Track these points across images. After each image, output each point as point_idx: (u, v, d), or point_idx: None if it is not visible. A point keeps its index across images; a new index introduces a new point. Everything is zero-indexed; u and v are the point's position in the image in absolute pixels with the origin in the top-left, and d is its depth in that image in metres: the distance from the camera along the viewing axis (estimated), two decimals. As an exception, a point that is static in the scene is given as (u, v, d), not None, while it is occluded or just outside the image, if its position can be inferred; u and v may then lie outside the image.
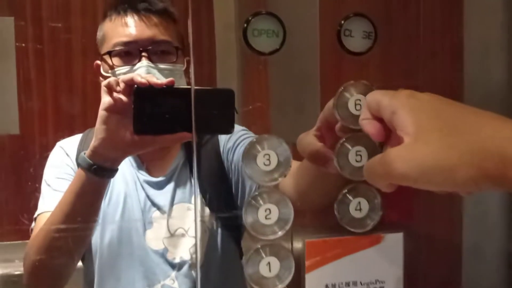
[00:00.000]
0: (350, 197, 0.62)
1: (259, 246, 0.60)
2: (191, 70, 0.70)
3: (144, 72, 0.85)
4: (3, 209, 1.68)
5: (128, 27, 0.89)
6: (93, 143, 0.74)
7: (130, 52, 0.88)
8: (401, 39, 0.62)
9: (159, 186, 0.94)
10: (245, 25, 0.57)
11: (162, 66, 0.87)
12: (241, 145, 0.93)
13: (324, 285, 0.62)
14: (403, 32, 0.64)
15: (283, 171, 0.58)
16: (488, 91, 0.78)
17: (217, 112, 0.67)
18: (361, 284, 0.63)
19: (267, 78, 0.75)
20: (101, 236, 0.91)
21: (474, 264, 0.81)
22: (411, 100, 0.43)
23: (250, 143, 0.58)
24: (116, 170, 0.76)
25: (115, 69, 0.88)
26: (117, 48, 0.88)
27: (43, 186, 0.92)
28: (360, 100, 0.59)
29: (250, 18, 0.56)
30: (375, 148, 0.61)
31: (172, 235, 0.92)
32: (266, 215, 0.58)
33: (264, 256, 0.59)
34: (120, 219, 0.91)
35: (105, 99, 0.71)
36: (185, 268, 0.91)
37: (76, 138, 0.96)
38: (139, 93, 0.66)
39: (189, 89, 0.67)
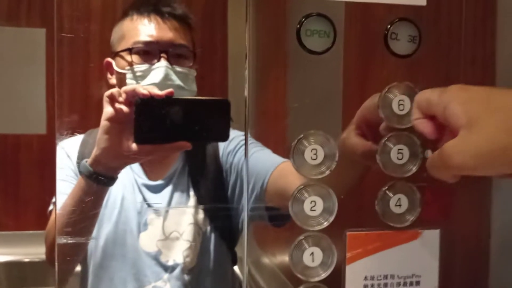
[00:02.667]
0: (391, 194, 0.65)
1: (303, 237, 0.63)
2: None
3: (162, 72, 0.87)
4: (30, 203, 1.73)
5: (150, 27, 0.91)
6: (95, 152, 0.76)
7: (149, 51, 0.90)
8: (444, 45, 0.65)
9: (157, 189, 0.95)
10: (298, 26, 0.60)
11: (178, 69, 0.90)
12: (243, 148, 0.95)
13: (363, 276, 0.64)
14: (446, 37, 0.66)
15: (329, 164, 0.61)
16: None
17: (213, 121, 0.70)
18: (398, 278, 0.65)
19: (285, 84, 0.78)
20: (97, 237, 0.93)
21: (502, 267, 0.83)
22: (461, 93, 0.46)
23: (298, 139, 0.61)
24: (116, 178, 0.78)
25: (134, 66, 0.90)
26: (137, 46, 0.91)
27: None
28: (403, 100, 0.62)
29: (303, 20, 0.59)
30: (416, 146, 0.64)
31: (166, 237, 0.93)
32: (311, 207, 0.61)
33: (307, 246, 0.62)
34: (116, 221, 0.92)
35: (107, 109, 0.73)
36: (177, 271, 0.91)
37: (78, 139, 0.94)
38: (141, 104, 0.68)
39: (188, 99, 0.70)
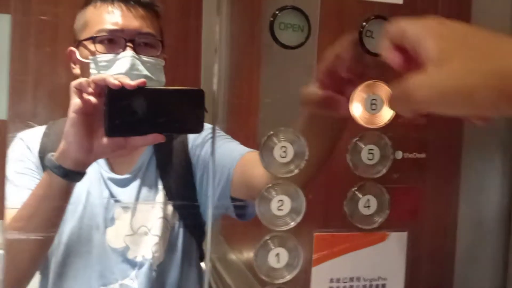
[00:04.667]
0: (360, 195, 0.64)
1: (268, 238, 0.61)
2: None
3: (129, 62, 0.84)
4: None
5: (114, 15, 0.87)
6: (62, 145, 0.71)
7: (114, 40, 0.86)
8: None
9: (124, 183, 0.92)
10: (272, 18, 0.58)
11: (145, 58, 0.86)
12: (210, 141, 0.93)
13: (329, 279, 0.63)
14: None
15: (298, 163, 0.59)
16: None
17: (187, 112, 0.67)
18: (364, 280, 0.64)
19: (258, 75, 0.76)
20: (60, 233, 0.88)
21: (467, 270, 0.83)
22: (437, 27, 0.44)
23: (268, 136, 0.59)
24: (85, 173, 0.73)
25: (97, 56, 0.86)
26: (101, 35, 0.87)
27: (6, 180, 0.89)
28: (376, 100, 0.61)
29: (277, 12, 0.57)
30: (387, 147, 0.63)
31: (134, 233, 0.90)
32: (278, 206, 0.59)
33: (273, 247, 0.60)
34: (80, 216, 0.88)
35: (75, 101, 0.68)
36: (146, 267, 0.88)
37: (39, 131, 0.92)
38: (111, 94, 0.64)
39: (160, 89, 0.67)
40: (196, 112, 0.66)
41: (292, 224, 0.59)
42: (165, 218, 0.92)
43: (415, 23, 0.45)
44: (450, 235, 0.83)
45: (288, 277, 0.60)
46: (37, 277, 0.92)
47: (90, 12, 0.90)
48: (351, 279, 0.64)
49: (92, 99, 0.68)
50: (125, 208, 0.91)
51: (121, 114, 0.64)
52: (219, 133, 0.94)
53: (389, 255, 0.65)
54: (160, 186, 0.93)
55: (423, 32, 0.44)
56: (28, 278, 0.82)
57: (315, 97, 0.51)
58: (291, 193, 0.60)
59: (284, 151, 0.59)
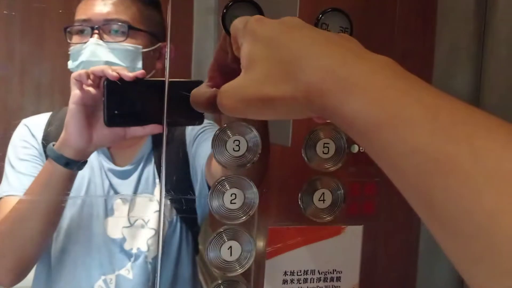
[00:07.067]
0: (315, 188, 0.64)
1: (222, 230, 0.61)
2: (167, 64, 0.70)
3: (90, 49, 0.84)
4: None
5: (86, 5, 0.88)
6: (63, 135, 0.73)
7: (84, 30, 0.87)
8: (375, 37, 0.63)
9: (123, 175, 0.93)
10: (225, 10, 0.57)
11: (113, 45, 0.86)
12: (202, 135, 0.93)
13: (283, 272, 0.63)
14: (378, 30, 0.65)
15: (251, 157, 0.59)
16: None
17: (186, 103, 0.67)
18: (319, 273, 0.65)
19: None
20: (61, 219, 0.90)
21: (429, 265, 0.84)
22: (255, 29, 0.41)
23: (220, 129, 0.59)
24: (86, 162, 0.76)
25: (71, 47, 0.87)
26: (74, 26, 0.87)
27: (7, 166, 0.90)
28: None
29: (229, 4, 0.56)
30: (341, 140, 0.63)
31: (131, 225, 0.91)
32: (231, 200, 0.59)
33: (226, 240, 0.60)
34: (81, 204, 0.90)
35: (75, 92, 0.71)
36: (141, 259, 0.90)
37: (43, 118, 0.92)
38: (109, 85, 0.66)
39: (160, 81, 0.67)
40: None
41: (244, 218, 0.59)
42: (161, 211, 0.92)
43: (244, 22, 0.43)
44: (414, 229, 0.83)
45: (240, 271, 0.60)
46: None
47: (80, 3, 0.90)
48: (306, 272, 0.64)
49: (92, 90, 0.71)
50: (124, 200, 0.91)
51: (120, 105, 0.66)
52: (211, 125, 0.94)
53: (344, 249, 0.65)
54: (158, 180, 0.94)
55: (245, 33, 0.41)
56: (30, 264, 0.84)
57: (205, 97, 0.49)
58: (245, 186, 0.60)
59: (237, 145, 0.59)
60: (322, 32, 0.40)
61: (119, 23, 0.88)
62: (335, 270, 0.65)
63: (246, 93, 0.40)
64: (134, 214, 0.91)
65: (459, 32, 0.78)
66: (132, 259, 0.89)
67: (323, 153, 0.62)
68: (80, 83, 0.71)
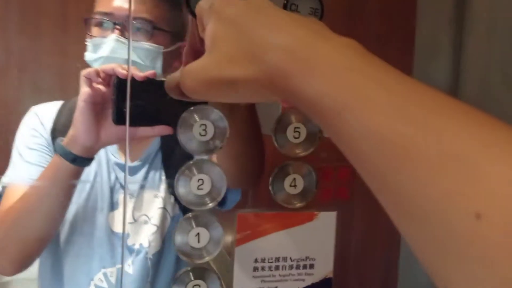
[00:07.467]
0: (285, 174, 0.62)
1: (190, 215, 0.59)
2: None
3: (110, 45, 0.83)
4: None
5: None
6: (71, 132, 0.74)
7: (105, 23, 0.86)
8: (346, 20, 0.61)
9: (130, 171, 0.92)
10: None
11: (135, 44, 0.85)
12: None
13: (253, 259, 0.62)
14: (349, 13, 0.63)
15: (219, 142, 0.57)
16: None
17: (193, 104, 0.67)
18: (291, 260, 0.63)
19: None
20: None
21: (412, 256, 0.82)
22: (220, 8, 0.39)
23: (188, 111, 0.57)
24: (93, 158, 0.76)
25: (91, 39, 0.86)
26: (94, 17, 0.86)
27: (14, 153, 0.89)
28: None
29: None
30: (313, 124, 0.62)
31: (135, 220, 0.90)
32: (198, 186, 0.58)
33: (194, 226, 0.59)
34: (86, 197, 0.89)
35: (84, 90, 0.71)
36: (142, 254, 0.89)
37: (54, 107, 0.92)
38: (119, 83, 0.66)
39: None
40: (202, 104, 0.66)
41: (212, 204, 0.58)
42: (165, 208, 0.92)
43: (206, 2, 0.41)
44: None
45: (207, 258, 0.59)
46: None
47: None
48: (277, 259, 0.63)
49: (101, 88, 0.71)
50: (130, 195, 0.91)
51: (129, 104, 0.65)
52: None
53: (317, 236, 0.64)
54: (163, 177, 0.93)
55: (210, 13, 0.40)
56: (33, 256, 0.84)
57: (176, 81, 0.48)
58: (212, 172, 0.58)
59: (204, 129, 0.57)
60: (288, 13, 0.38)
61: (144, 22, 0.86)
62: (308, 257, 0.64)
63: (208, 74, 0.38)
64: (139, 210, 0.91)
65: (439, 13, 0.76)
66: (134, 254, 0.89)
67: (294, 137, 0.61)
68: (89, 80, 0.71)
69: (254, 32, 0.36)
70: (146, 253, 0.89)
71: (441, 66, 0.78)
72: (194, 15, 0.46)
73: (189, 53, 0.50)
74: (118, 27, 0.84)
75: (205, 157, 0.58)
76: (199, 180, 0.58)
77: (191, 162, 0.59)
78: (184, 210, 0.94)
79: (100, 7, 0.86)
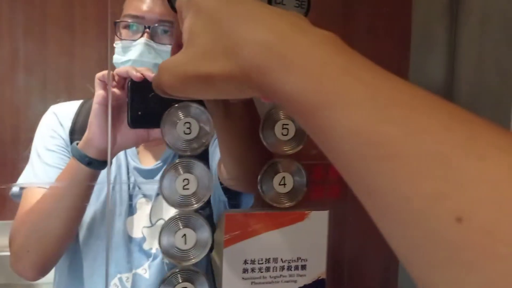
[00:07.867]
0: (275, 171, 0.60)
1: (177, 216, 0.58)
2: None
3: (139, 49, 0.84)
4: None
5: (141, 2, 0.87)
6: (86, 135, 0.74)
7: (135, 26, 0.86)
8: (334, 12, 0.60)
9: (148, 174, 0.92)
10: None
11: (160, 46, 0.85)
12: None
13: (243, 260, 0.60)
14: (339, 5, 0.61)
15: (204, 141, 0.56)
16: (429, 85, 0.77)
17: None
18: (282, 261, 0.61)
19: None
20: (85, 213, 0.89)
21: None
22: (199, 2, 0.38)
23: (170, 110, 0.56)
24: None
25: (121, 41, 0.87)
26: (124, 20, 0.87)
27: (33, 153, 0.89)
28: None
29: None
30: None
31: (152, 225, 0.90)
32: (184, 185, 0.56)
33: (181, 227, 0.57)
34: (104, 200, 0.89)
35: (99, 92, 0.72)
36: (159, 259, 0.89)
37: (73, 107, 0.92)
38: (133, 86, 0.65)
39: None
40: None
41: (197, 205, 0.56)
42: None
43: None
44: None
45: (194, 260, 0.57)
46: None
47: None
48: (268, 260, 0.61)
49: (116, 91, 0.71)
50: (147, 199, 0.90)
51: (144, 106, 0.65)
52: None
53: (309, 236, 0.62)
54: None
55: (189, 7, 0.39)
56: (54, 260, 0.84)
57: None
58: (198, 171, 0.57)
59: (189, 127, 0.55)
60: (267, 6, 0.37)
61: (171, 25, 0.87)
62: (300, 258, 0.62)
63: (185, 70, 0.37)
64: (155, 214, 0.90)
65: (433, 4, 0.74)
66: (151, 258, 0.88)
67: (283, 134, 0.59)
68: (104, 83, 0.71)
69: (231, 27, 0.35)
70: (163, 258, 0.88)
71: (437, 58, 0.76)
72: (175, 10, 0.44)
73: (175, 50, 0.49)
74: (148, 30, 0.85)
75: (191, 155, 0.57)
76: (184, 180, 0.56)
77: (177, 161, 0.57)
78: (200, 212, 0.93)
79: (130, 10, 0.87)
